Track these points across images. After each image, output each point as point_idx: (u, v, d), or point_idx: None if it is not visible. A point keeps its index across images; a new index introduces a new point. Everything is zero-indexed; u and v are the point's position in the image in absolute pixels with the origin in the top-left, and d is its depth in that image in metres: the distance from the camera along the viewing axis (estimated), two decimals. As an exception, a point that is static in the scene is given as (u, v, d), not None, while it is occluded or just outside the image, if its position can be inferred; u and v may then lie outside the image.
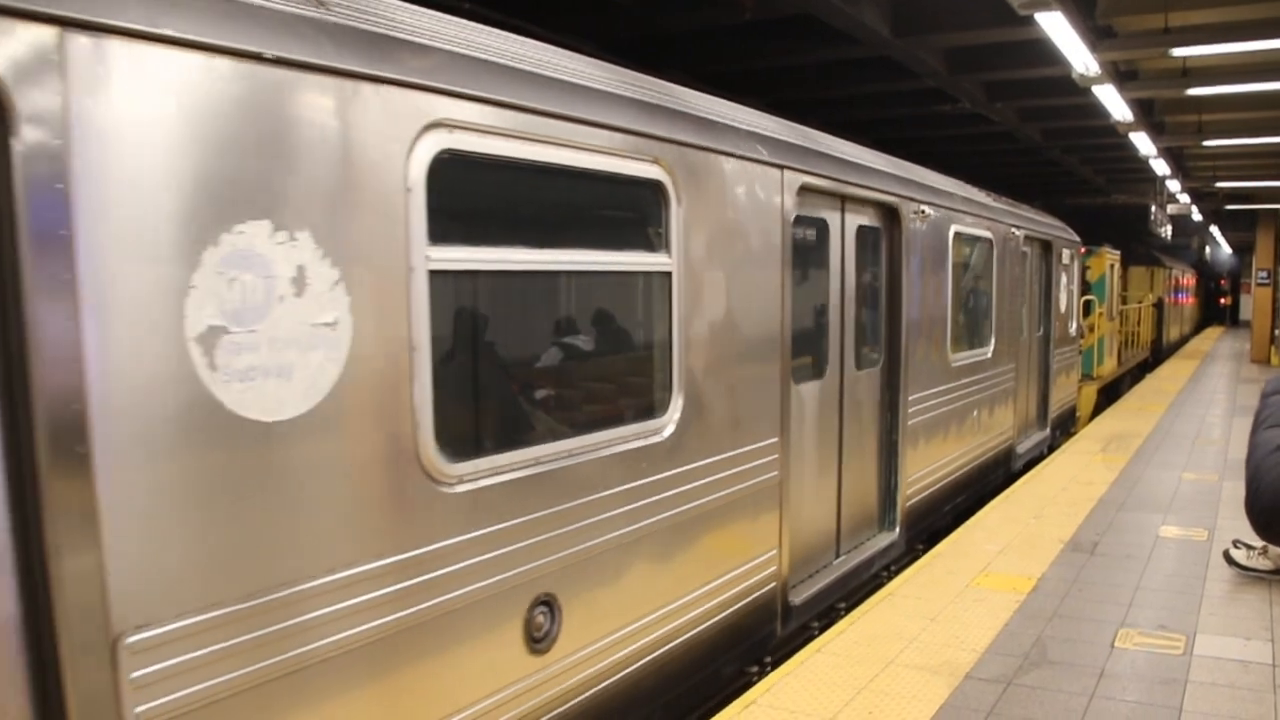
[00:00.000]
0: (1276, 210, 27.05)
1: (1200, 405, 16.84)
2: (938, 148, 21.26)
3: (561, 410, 4.79)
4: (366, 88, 3.34)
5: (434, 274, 3.63)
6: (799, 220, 6.34)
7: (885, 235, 7.92)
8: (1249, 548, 7.10)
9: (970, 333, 10.16)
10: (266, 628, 3.07)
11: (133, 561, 2.72)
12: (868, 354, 7.87)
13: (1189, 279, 40.53)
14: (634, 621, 4.80)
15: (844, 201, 7.18)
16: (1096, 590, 6.80)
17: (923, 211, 8.24)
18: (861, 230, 7.53)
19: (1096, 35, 10.19)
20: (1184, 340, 37.24)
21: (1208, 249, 52.23)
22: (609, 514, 4.58)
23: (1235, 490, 9.13)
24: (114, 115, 2.65)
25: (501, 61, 4.02)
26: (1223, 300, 55.76)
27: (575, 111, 4.31)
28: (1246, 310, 38.28)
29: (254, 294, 3.02)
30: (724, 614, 5.58)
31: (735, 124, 5.76)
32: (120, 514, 2.70)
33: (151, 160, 2.75)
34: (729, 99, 6.16)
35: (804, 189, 6.28)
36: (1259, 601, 6.56)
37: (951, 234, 9.06)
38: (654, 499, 4.90)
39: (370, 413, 3.41)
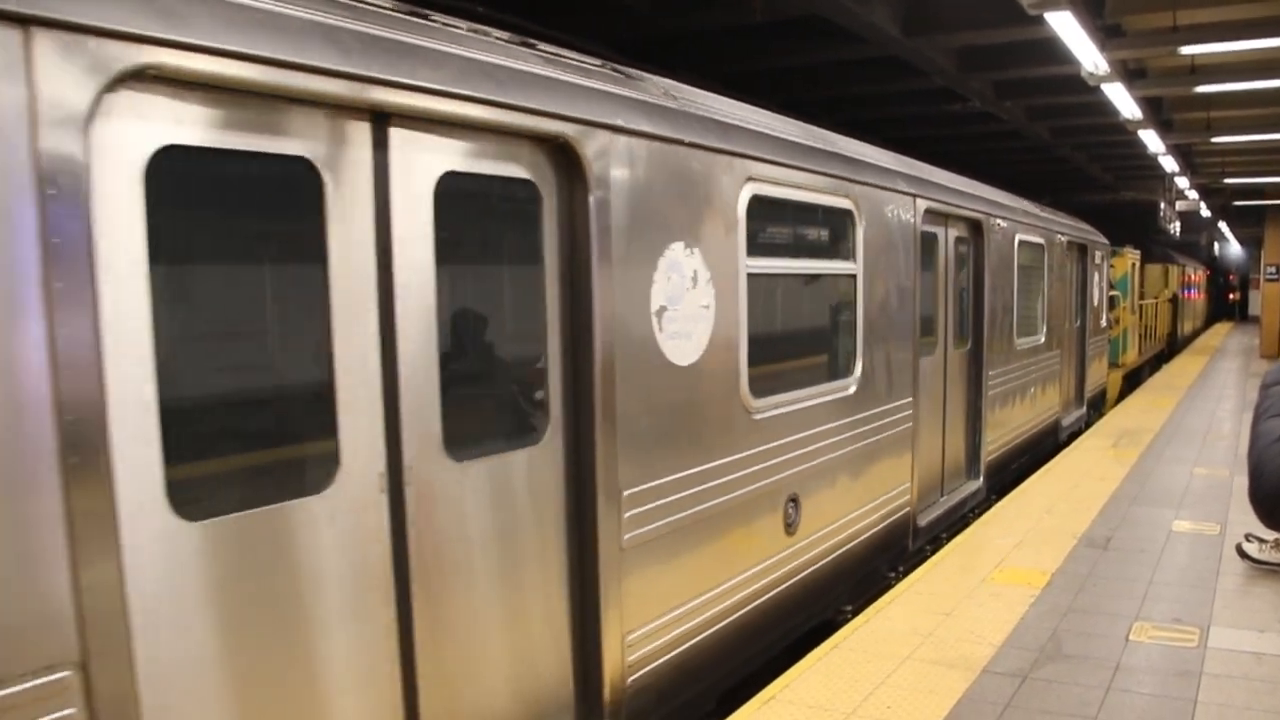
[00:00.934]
0: (1286, 206, 27.00)
1: (1211, 400, 16.86)
2: (946, 146, 21.28)
3: (803, 369, 6.90)
4: (722, 158, 5.29)
5: (749, 275, 5.57)
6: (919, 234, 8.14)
7: (972, 244, 9.86)
8: (1261, 541, 7.17)
9: (1028, 322, 11.97)
10: (679, 493, 5.00)
11: (625, 447, 4.57)
12: (961, 337, 9.78)
13: (1199, 275, 41.12)
14: (835, 522, 6.82)
15: (947, 219, 9.13)
16: (1110, 584, 6.86)
17: (998, 224, 10.22)
18: (958, 240, 9.49)
19: (1105, 34, 10.23)
20: (1196, 334, 38.14)
21: (1216, 245, 52.12)
22: (823, 443, 6.56)
23: (1246, 484, 9.17)
24: (622, 174, 4.52)
25: (777, 135, 6.04)
26: (1231, 296, 55.65)
27: (813, 165, 6.31)
28: (1255, 305, 38.22)
29: (678, 287, 4.93)
30: (878, 528, 7.55)
31: (888, 166, 7.69)
32: (624, 418, 4.54)
33: (640, 207, 4.62)
34: (738, 99, 6.32)
35: (927, 211, 8.23)
36: (1272, 594, 6.62)
37: (1016, 241, 10.99)
38: (845, 436, 6.86)
39: (721, 364, 5.34)
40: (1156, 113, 15.19)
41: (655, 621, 4.83)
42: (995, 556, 7.54)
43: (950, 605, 6.48)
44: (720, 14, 11.28)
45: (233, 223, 3.42)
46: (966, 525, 8.86)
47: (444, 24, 3.98)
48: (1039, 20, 8.98)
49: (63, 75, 2.55)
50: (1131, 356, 21.38)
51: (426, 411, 3.70)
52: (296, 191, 3.36)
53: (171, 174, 2.92)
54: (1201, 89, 13.09)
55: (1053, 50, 11.24)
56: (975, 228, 9.77)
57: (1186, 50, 10.83)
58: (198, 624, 2.97)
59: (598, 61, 4.87)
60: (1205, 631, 5.96)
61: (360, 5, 3.57)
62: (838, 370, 7.03)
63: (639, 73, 5.24)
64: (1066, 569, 7.21)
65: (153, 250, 2.84)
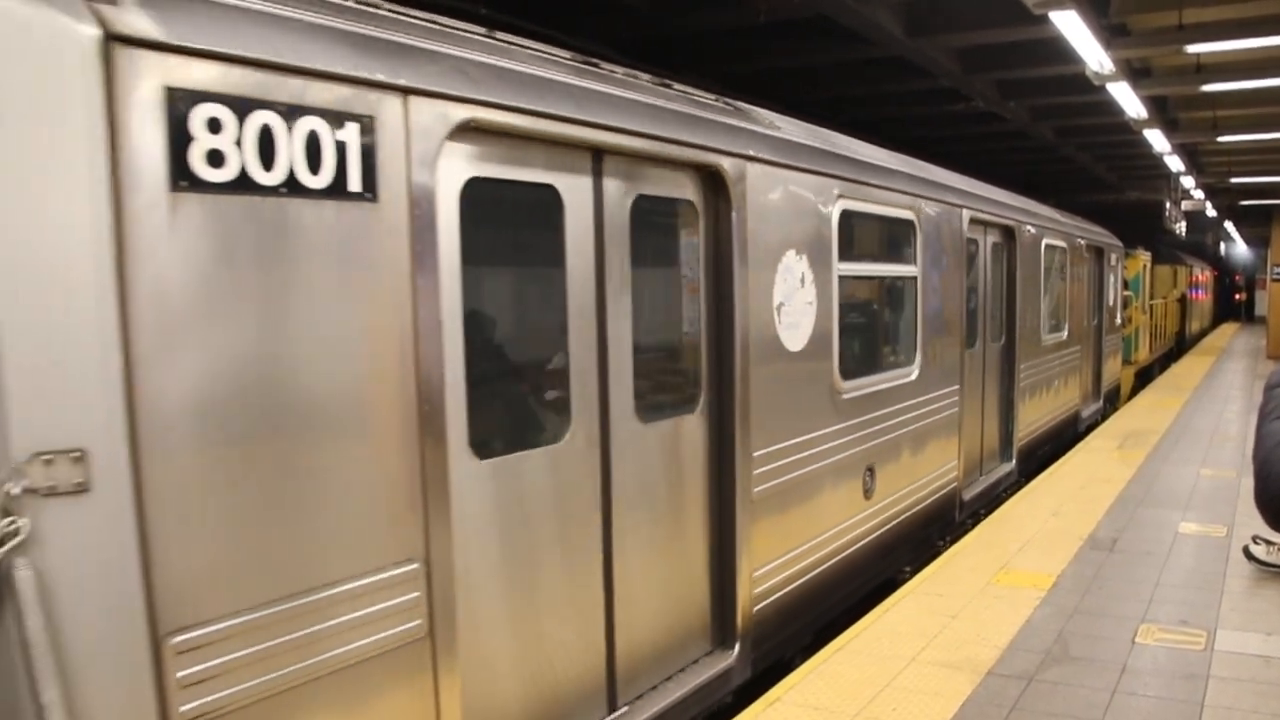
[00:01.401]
0: (1292, 205, 26.94)
1: (1218, 401, 16.81)
2: (950, 147, 21.23)
3: (877, 356, 7.92)
4: (821, 179, 6.29)
5: (839, 277, 6.52)
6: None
7: (1005, 248, 10.71)
8: (1268, 543, 7.13)
9: (1053, 320, 12.77)
10: (790, 457, 5.97)
11: (756, 416, 5.52)
12: (998, 333, 10.61)
13: (1206, 276, 41.46)
14: (901, 490, 7.78)
15: (986, 226, 9.94)
16: (1117, 586, 6.83)
17: (1028, 230, 11.12)
18: (995, 245, 10.34)
19: (1110, 33, 10.21)
20: (1204, 333, 38.63)
21: (1222, 245, 52.00)
22: (891, 421, 7.47)
23: (1252, 486, 9.12)
24: (753, 195, 5.46)
25: (859, 158, 7.05)
26: (1238, 296, 55.52)
27: (885, 183, 7.32)
28: (1261, 306, 38.13)
29: (791, 286, 5.90)
30: (931, 499, 8.45)
31: (940, 181, 8.78)
32: (754, 393, 5.47)
33: (765, 221, 5.58)
34: (745, 100, 6.40)
35: (970, 220, 9.18)
36: (1279, 596, 6.58)
37: (1043, 245, 11.87)
38: (907, 416, 7.80)
39: (820, 350, 6.30)
40: (1162, 112, 15.16)
41: (773, 563, 5.85)
42: (1001, 558, 7.51)
43: (956, 607, 6.45)
44: (723, 14, 11.26)
45: (514, 236, 4.55)
46: (1000, 503, 9.73)
47: (626, 74, 4.98)
48: (1043, 20, 8.97)
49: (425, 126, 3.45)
50: (1143, 354, 22.39)
51: (624, 386, 4.67)
52: (543, 211, 4.28)
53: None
54: (1207, 88, 13.07)
55: (1057, 50, 11.22)
56: (1009, 234, 10.76)
57: (1192, 49, 10.82)
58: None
59: (713, 96, 5.82)
60: (1212, 634, 5.93)
61: (591, 68, 4.63)
62: (902, 359, 8.03)
63: (748, 106, 6.22)
64: (1073, 571, 7.18)
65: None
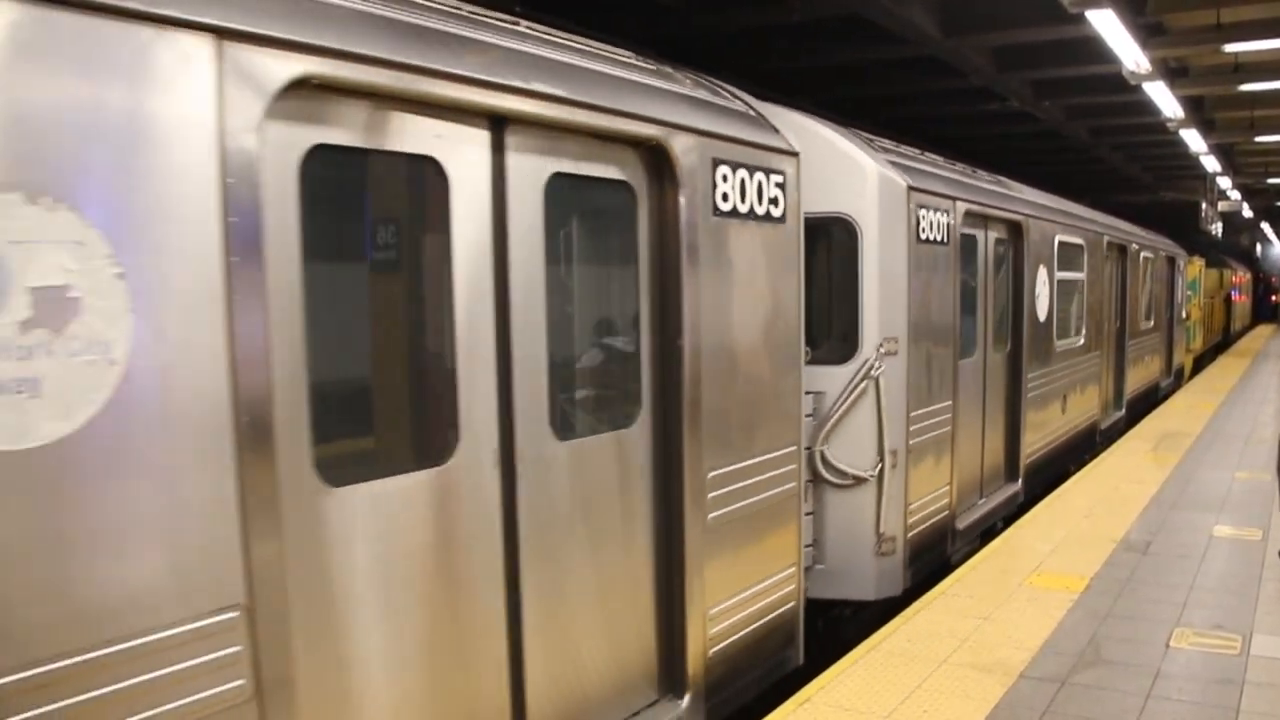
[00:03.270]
0: (1330, 206, 26.62)
1: (1252, 404, 16.63)
2: (983, 146, 21.13)
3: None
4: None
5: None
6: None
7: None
8: (1305, 548, 7.09)
9: (1152, 313, 16.77)
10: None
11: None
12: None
13: (1245, 278, 43.24)
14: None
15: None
16: (1150, 590, 6.79)
17: (1143, 256, 15.02)
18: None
19: (1147, 32, 10.13)
20: (1244, 331, 41.87)
21: (1259, 247, 51.39)
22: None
23: (1290, 490, 9.05)
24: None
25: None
26: (1275, 298, 54.87)
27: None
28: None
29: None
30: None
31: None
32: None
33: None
34: (777, 101, 6.36)
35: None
36: (1316, 602, 6.52)
37: (1142, 258, 15.74)
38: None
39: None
40: (1198, 112, 15.02)
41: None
42: (1033, 560, 7.47)
43: (988, 609, 6.43)
44: (758, 12, 11.25)
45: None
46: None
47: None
48: (1079, 19, 8.91)
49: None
50: (1199, 343, 26.40)
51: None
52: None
53: None
54: (1245, 87, 12.93)
55: (1093, 49, 11.14)
56: (1121, 252, 14.44)
57: (1230, 48, 10.70)
58: None
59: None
60: (1247, 639, 5.88)
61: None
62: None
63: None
64: (1105, 573, 7.14)
65: None
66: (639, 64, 4.83)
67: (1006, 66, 13.74)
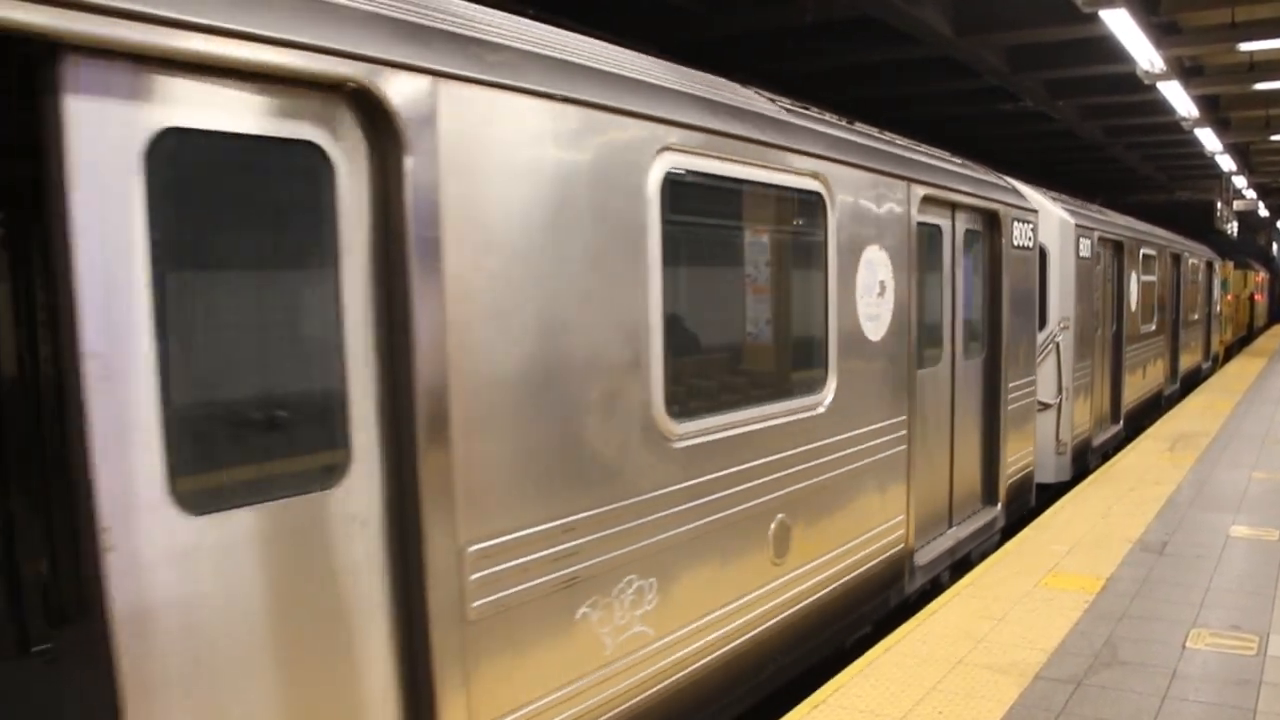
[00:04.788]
0: (1347, 205, 26.48)
1: (1269, 404, 16.54)
2: (997, 146, 21.09)
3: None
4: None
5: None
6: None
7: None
8: (1323, 548, 7.10)
9: (1194, 310, 20.87)
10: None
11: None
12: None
13: (1263, 278, 44.43)
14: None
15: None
16: (1167, 590, 6.76)
17: (1190, 261, 17.28)
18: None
19: (1161, 31, 10.11)
20: (1265, 328, 44.38)
21: (1275, 245, 51.12)
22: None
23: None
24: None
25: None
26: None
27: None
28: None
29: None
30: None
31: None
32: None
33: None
34: (791, 99, 6.33)
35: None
36: (1334, 603, 6.49)
37: (1187, 262, 19.18)
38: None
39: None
40: (1213, 111, 14.97)
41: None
42: (1049, 561, 7.45)
43: (1003, 610, 6.41)
44: (772, 14, 11.27)
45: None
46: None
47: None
48: (1093, 18, 8.90)
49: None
50: (1228, 335, 30.27)
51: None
52: None
53: None
54: (1261, 86, 12.88)
55: (1107, 48, 11.13)
56: (1176, 259, 17.45)
57: (1245, 47, 10.66)
58: None
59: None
60: (1265, 639, 5.85)
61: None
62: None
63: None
64: (1121, 574, 7.11)
65: None
66: (985, 178, 8.02)
67: (1021, 66, 13.73)
